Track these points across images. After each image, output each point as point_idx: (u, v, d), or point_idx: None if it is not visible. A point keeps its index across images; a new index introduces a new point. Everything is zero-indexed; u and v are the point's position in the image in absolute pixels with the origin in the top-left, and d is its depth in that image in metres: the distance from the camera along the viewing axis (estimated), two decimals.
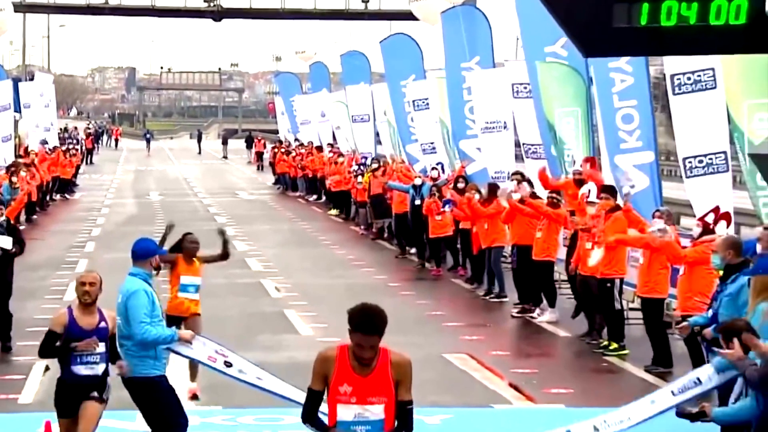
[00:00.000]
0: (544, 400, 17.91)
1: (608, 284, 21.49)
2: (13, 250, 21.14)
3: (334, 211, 49.13)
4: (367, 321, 8.47)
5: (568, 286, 24.41)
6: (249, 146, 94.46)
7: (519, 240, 25.34)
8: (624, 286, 22.01)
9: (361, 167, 43.20)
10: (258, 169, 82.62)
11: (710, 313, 14.71)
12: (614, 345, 21.35)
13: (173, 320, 16.14)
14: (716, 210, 20.22)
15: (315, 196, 56.05)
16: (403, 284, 30.30)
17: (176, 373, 16.54)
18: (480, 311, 26.57)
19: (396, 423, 8.70)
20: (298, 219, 48.19)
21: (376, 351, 8.54)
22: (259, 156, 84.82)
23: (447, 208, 30.09)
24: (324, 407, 9.09)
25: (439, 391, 18.42)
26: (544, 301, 24.73)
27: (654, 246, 19.22)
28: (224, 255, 18.21)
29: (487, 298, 27.40)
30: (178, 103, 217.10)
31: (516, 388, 18.69)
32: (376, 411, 8.46)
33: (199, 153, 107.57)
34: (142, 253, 13.58)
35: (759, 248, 14.54)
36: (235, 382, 18.55)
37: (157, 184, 67.81)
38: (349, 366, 8.54)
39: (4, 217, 21.40)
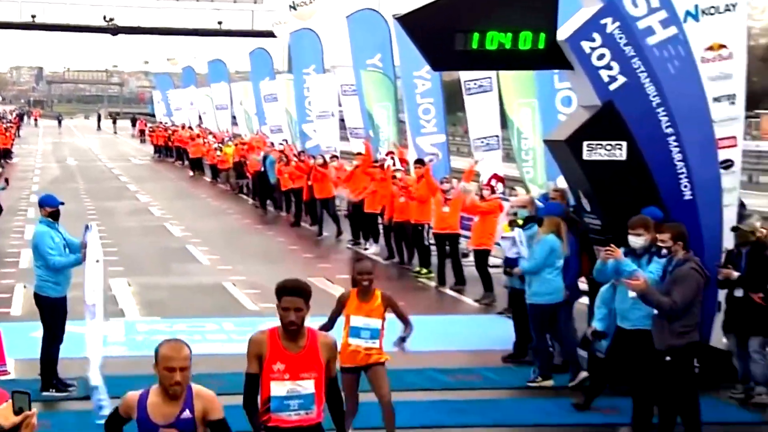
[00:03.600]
0: None
1: (420, 227, 21.65)
2: None
3: (191, 173, 48.58)
4: (290, 285, 6.82)
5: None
6: (133, 125, 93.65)
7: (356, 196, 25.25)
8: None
9: (221, 144, 43.37)
10: (141, 142, 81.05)
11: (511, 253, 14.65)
12: (424, 270, 21.51)
13: (349, 371, 10.05)
14: (495, 176, 20.45)
15: (181, 162, 55.17)
16: (264, 227, 30.02)
17: None
18: (318, 247, 26.22)
19: (328, 397, 7.02)
20: (177, 179, 47.48)
21: (303, 317, 6.76)
22: (142, 132, 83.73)
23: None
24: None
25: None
26: (371, 238, 24.79)
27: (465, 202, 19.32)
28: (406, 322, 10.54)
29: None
30: (75, 93, 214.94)
31: None
32: (307, 386, 6.74)
33: (98, 129, 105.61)
34: (40, 204, 12.97)
35: None
36: (171, 299, 18.47)
37: (71, 153, 66.27)
38: (281, 345, 6.77)
39: None
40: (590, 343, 13.57)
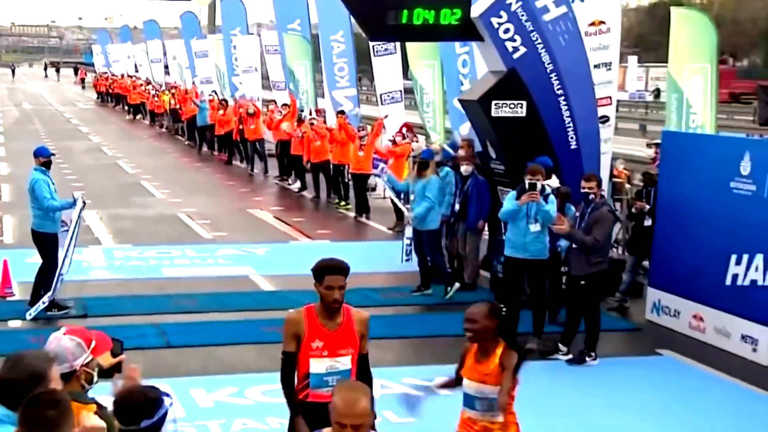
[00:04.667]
0: (318, 237, 17.64)
1: (341, 167, 21.55)
2: None
3: (131, 117, 47.36)
4: (333, 264, 5.68)
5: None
6: (75, 73, 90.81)
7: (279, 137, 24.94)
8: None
9: (158, 91, 42.38)
10: (82, 88, 78.80)
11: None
12: (343, 203, 21.42)
13: None
14: (406, 124, 20.39)
15: (122, 107, 53.78)
16: (202, 164, 29.45)
17: None
18: (251, 182, 25.74)
19: (358, 374, 5.83)
20: (120, 122, 46.27)
21: (343, 295, 5.66)
22: (82, 80, 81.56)
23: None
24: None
25: (253, 232, 17.97)
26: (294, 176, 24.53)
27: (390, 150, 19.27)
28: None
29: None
30: (20, 44, 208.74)
31: (298, 230, 18.32)
32: (345, 362, 5.69)
33: (46, 77, 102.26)
34: (35, 154, 12.45)
35: (461, 151, 14.30)
36: (136, 228, 18.06)
37: (25, 98, 64.09)
38: (319, 323, 5.65)
39: None
40: (492, 264, 13.81)
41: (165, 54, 47.94)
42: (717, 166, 11.48)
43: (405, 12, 12.36)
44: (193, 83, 38.63)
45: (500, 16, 12.57)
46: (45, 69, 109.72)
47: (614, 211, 10.74)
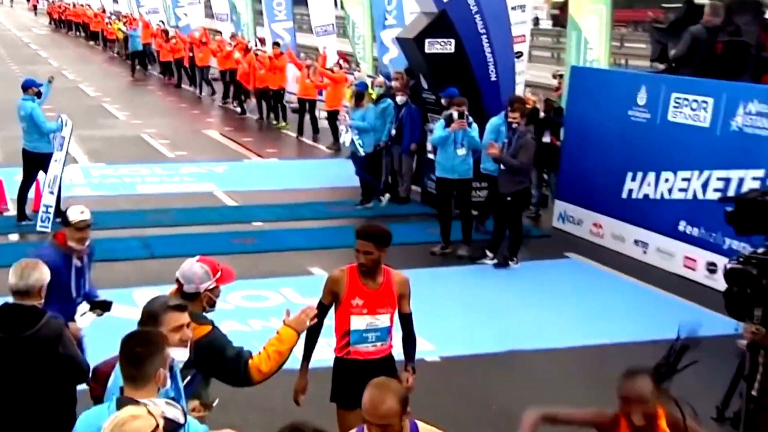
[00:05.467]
0: (267, 156, 17.47)
1: (281, 91, 21.29)
2: None
3: (91, 42, 45.79)
4: (361, 230, 5.27)
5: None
6: (28, 0, 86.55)
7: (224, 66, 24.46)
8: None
9: (110, 20, 40.97)
10: (35, 15, 75.36)
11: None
12: (282, 123, 21.23)
13: None
14: (341, 55, 20.24)
15: (74, 32, 51.70)
16: (154, 88, 28.45)
17: None
18: (200, 104, 25.14)
19: (403, 332, 5.49)
20: (74, 47, 44.40)
21: (373, 260, 5.20)
22: (35, 7, 78.00)
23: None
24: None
25: (209, 151, 17.72)
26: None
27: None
28: None
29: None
30: None
31: (248, 149, 18.09)
32: (384, 320, 5.29)
33: (1, 4, 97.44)
34: (25, 85, 12.28)
35: (395, 83, 13.97)
36: (106, 148, 17.68)
37: None
38: (360, 282, 5.24)
39: None
40: (422, 180, 13.99)
41: None
42: (617, 96, 11.75)
43: None
44: (140, 13, 37.42)
45: None
46: None
47: (535, 138, 10.92)
